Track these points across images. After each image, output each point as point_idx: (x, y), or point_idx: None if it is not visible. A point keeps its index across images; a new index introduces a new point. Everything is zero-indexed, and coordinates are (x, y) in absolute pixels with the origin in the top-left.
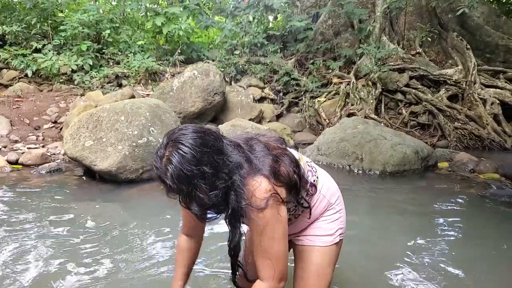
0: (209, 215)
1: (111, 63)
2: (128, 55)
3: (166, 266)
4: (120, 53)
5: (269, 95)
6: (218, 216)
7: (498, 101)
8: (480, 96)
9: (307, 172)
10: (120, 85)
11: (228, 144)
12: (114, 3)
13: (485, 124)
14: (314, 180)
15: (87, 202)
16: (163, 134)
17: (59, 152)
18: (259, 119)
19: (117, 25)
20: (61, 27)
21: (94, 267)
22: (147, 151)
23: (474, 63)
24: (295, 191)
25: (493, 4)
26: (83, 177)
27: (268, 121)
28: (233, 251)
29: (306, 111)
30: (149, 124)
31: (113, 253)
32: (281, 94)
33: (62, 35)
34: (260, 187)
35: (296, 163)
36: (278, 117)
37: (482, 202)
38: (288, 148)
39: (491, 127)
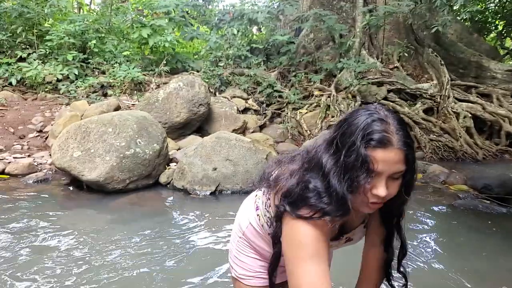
0: None
1: (96, 73)
2: (114, 65)
3: (147, 274)
4: (105, 63)
5: (252, 106)
6: None
7: (470, 115)
8: (453, 110)
9: None
10: (105, 95)
11: None
12: (97, 9)
13: (458, 137)
14: None
15: (76, 212)
16: (149, 146)
17: (46, 162)
18: (243, 129)
19: (102, 35)
20: (47, 37)
21: (84, 276)
22: (134, 162)
23: (448, 78)
24: None
25: (466, 22)
26: (70, 187)
27: (252, 132)
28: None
29: (288, 122)
30: (136, 136)
31: (104, 261)
32: (264, 105)
33: (48, 45)
34: None
35: None
36: (261, 127)
37: (451, 212)
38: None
39: (464, 139)
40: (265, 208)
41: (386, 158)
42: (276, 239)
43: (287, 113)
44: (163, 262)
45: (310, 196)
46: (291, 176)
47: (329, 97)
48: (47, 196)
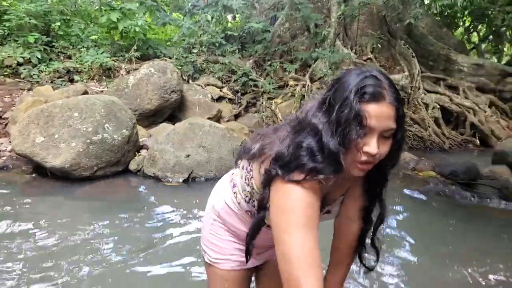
0: None
1: (62, 57)
2: (81, 49)
3: (119, 264)
4: (71, 47)
5: (227, 94)
6: None
7: (438, 106)
8: (423, 101)
9: None
10: (71, 81)
11: None
12: None
13: (427, 127)
14: None
15: (39, 200)
16: (118, 131)
17: (5, 149)
18: (217, 118)
19: (68, 17)
20: (5, 17)
21: (43, 268)
22: (102, 148)
23: (419, 70)
24: None
25: (436, 16)
26: (33, 175)
27: (227, 121)
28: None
29: (263, 112)
30: (104, 121)
31: (69, 251)
32: (239, 94)
33: (6, 25)
34: None
35: None
36: (236, 116)
37: (420, 196)
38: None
39: (432, 129)
40: (245, 182)
41: (379, 112)
42: (262, 205)
43: (262, 103)
44: (132, 251)
45: (303, 155)
46: (281, 141)
47: (303, 87)
48: (6, 183)
